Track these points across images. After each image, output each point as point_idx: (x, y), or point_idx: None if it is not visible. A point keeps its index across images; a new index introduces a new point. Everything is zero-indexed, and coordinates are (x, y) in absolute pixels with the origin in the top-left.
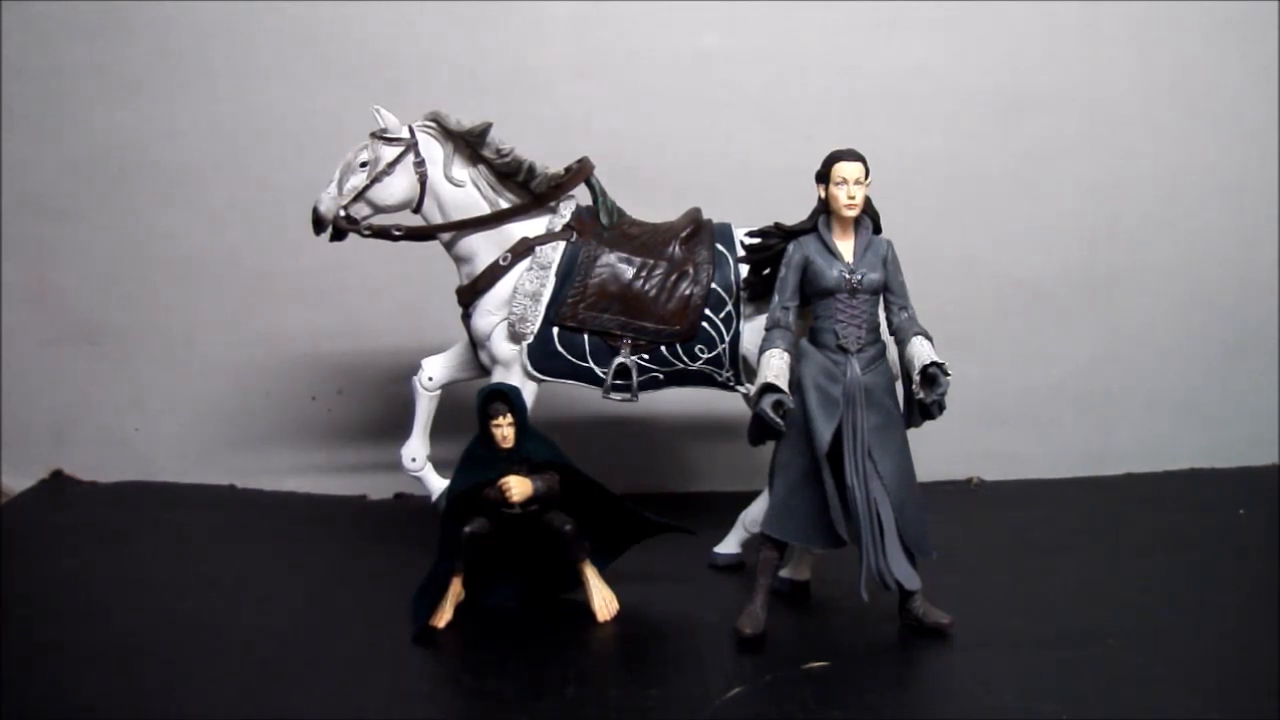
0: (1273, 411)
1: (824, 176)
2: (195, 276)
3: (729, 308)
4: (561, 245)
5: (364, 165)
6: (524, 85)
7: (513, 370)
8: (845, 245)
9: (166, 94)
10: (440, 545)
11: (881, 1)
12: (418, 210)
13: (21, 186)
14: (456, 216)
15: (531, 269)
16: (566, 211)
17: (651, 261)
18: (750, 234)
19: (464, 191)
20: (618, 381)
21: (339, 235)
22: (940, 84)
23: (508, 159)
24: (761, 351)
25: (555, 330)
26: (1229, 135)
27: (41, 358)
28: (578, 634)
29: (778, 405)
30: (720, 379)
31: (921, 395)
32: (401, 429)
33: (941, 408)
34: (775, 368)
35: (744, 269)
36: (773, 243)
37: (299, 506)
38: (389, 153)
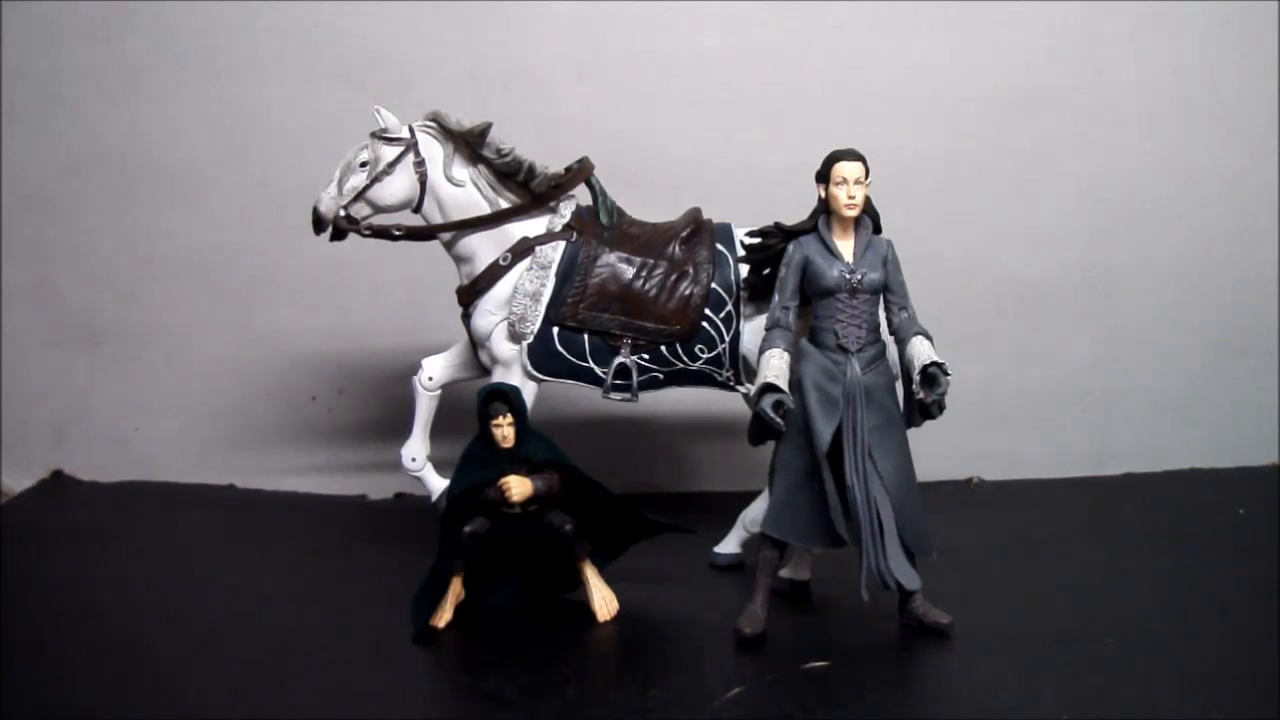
0: (1273, 411)
1: (824, 176)
2: (195, 276)
3: (729, 308)
4: (561, 245)
5: (364, 165)
6: (524, 85)
7: (513, 370)
8: (845, 245)
9: (166, 94)
10: (440, 545)
11: (881, 1)
12: (418, 210)
13: (21, 186)
14: (456, 216)
15: (531, 269)
16: (566, 211)
17: (651, 261)
18: (750, 234)
19: (464, 191)
20: (618, 381)
21: (339, 235)
22: (940, 84)
23: (508, 159)
24: (761, 351)
25: (555, 330)
26: (1229, 135)
27: (41, 358)
28: (578, 634)
29: (778, 405)
30: (720, 379)
31: (921, 395)
32: (401, 429)
33: (941, 408)
34: (775, 368)
35: (744, 269)
36: (773, 243)
37: (299, 506)
38: (389, 153)
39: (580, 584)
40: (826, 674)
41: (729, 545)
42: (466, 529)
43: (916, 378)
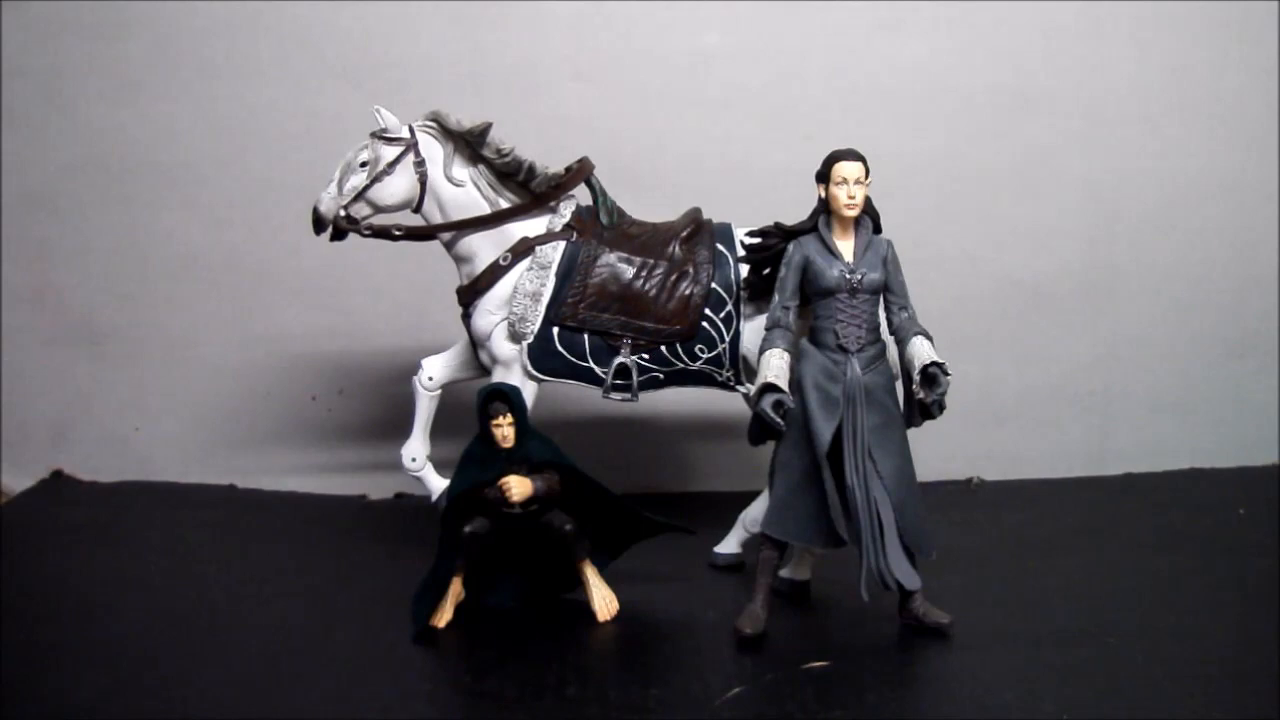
0: (1273, 411)
1: (824, 176)
2: (195, 276)
3: (729, 307)
4: (561, 245)
5: (364, 165)
6: (524, 85)
7: (513, 370)
8: (845, 245)
9: (166, 94)
10: (440, 545)
11: (881, 1)
12: (418, 210)
13: (21, 186)
14: (456, 216)
15: (531, 269)
16: (566, 211)
17: (652, 261)
18: (750, 234)
19: (464, 191)
20: (618, 381)
21: (339, 235)
22: (940, 84)
23: (508, 159)
24: (761, 351)
25: (555, 330)
26: (1229, 135)
27: (41, 358)
28: (578, 634)
29: (778, 405)
30: (720, 379)
31: (921, 395)
32: (401, 429)
33: (941, 407)
34: (775, 367)
35: (744, 269)
36: (773, 242)
37: (299, 506)
38: (389, 152)
39: (580, 584)
40: (826, 674)
41: (729, 545)
42: (467, 529)
43: (916, 378)
